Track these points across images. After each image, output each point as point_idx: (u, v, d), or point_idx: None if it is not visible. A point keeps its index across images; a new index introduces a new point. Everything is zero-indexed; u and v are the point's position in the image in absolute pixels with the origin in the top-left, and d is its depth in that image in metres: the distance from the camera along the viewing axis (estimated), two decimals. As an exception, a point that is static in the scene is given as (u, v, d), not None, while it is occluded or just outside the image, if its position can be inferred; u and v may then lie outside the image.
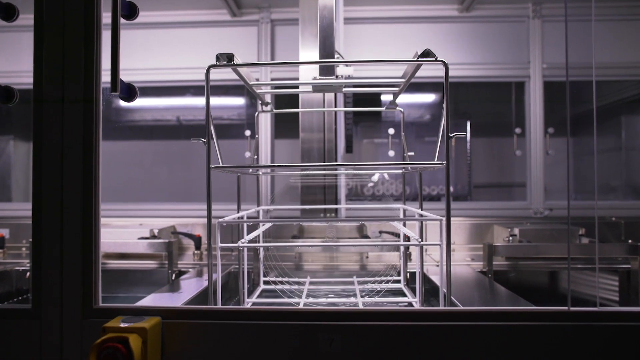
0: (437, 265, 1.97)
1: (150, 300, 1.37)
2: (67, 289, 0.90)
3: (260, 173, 1.78)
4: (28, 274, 1.97)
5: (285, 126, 3.81)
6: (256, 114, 1.78)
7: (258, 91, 1.50)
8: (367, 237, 2.02)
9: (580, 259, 1.86)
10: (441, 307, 0.93)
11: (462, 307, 0.93)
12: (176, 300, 1.38)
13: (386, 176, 3.94)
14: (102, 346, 0.78)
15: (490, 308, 0.89)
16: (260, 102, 1.63)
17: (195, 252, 2.13)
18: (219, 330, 0.88)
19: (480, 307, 0.99)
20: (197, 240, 2.13)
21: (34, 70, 0.92)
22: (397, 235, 2.11)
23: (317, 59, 2.26)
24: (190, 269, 1.98)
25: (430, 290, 1.69)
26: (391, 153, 3.48)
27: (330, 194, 2.40)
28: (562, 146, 3.42)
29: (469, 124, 4.01)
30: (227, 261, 2.08)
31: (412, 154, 1.54)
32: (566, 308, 0.87)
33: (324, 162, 2.24)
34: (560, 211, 3.12)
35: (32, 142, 0.92)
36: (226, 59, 0.99)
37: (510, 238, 2.03)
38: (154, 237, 2.13)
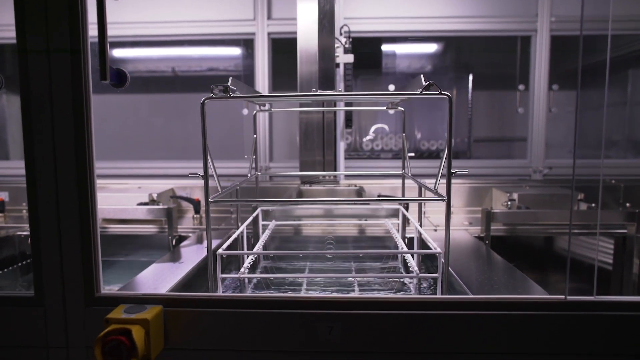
0: (435, 230, 1.99)
1: (151, 272, 1.38)
2: (68, 278, 0.90)
3: (259, 174, 1.75)
4: (30, 240, 1.99)
5: (284, 77, 3.71)
6: (254, 112, 1.72)
7: (258, 102, 1.45)
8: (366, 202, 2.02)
9: (578, 225, 1.87)
10: (439, 296, 0.95)
11: (459, 297, 0.94)
12: (177, 272, 1.39)
13: (386, 128, 3.89)
14: (106, 339, 0.80)
15: (488, 297, 0.90)
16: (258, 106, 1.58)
17: (195, 216, 2.14)
18: (221, 318, 0.89)
19: (477, 296, 1.01)
20: (196, 205, 2.13)
21: (16, 20, 0.87)
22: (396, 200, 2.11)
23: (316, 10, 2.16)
24: (190, 234, 2.00)
25: (429, 256, 1.72)
26: (391, 111, 3.42)
27: (329, 155, 2.37)
28: (565, 100, 3.35)
29: (471, 77, 3.91)
30: (227, 225, 2.10)
31: (412, 154, 1.53)
32: (563, 297, 0.88)
33: (323, 131, 2.20)
34: (560, 169, 3.12)
35: (20, 96, 0.89)
36: (222, 90, 0.97)
37: (509, 203, 2.04)
38: (152, 201, 2.13)
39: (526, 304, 0.88)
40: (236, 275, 1.25)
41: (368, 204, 2.03)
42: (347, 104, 2.38)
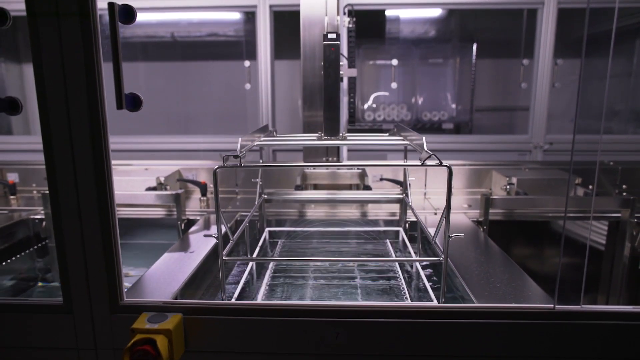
0: (435, 214, 2.05)
1: (164, 264, 1.44)
2: (94, 290, 0.97)
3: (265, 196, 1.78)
4: (44, 223, 2.06)
5: (285, 45, 3.67)
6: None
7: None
8: (368, 187, 2.08)
9: (574, 210, 1.94)
10: (434, 304, 1.02)
11: (455, 305, 1.01)
12: (188, 263, 1.46)
13: (387, 92, 3.87)
14: (134, 350, 0.87)
15: (482, 306, 0.97)
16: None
17: (202, 198, 2.20)
18: (236, 325, 0.97)
19: (472, 304, 1.08)
20: (203, 187, 2.19)
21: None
22: (399, 183, 2.16)
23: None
24: (197, 217, 2.06)
25: (426, 241, 1.79)
26: (394, 85, 3.41)
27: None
28: (570, 69, 3.33)
29: (475, 47, 3.86)
30: (233, 207, 2.17)
31: (413, 179, 1.56)
32: (551, 306, 0.96)
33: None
34: (560, 145, 3.16)
35: (32, 62, 0.89)
36: (232, 159, 1.03)
37: (508, 186, 2.09)
38: (160, 184, 2.19)
39: (516, 313, 0.95)
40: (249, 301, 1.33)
41: (370, 188, 2.08)
42: (351, 81, 2.38)
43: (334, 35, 1.30)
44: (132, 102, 0.88)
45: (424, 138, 1.09)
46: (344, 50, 2.68)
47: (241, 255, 1.84)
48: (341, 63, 1.46)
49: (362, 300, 1.40)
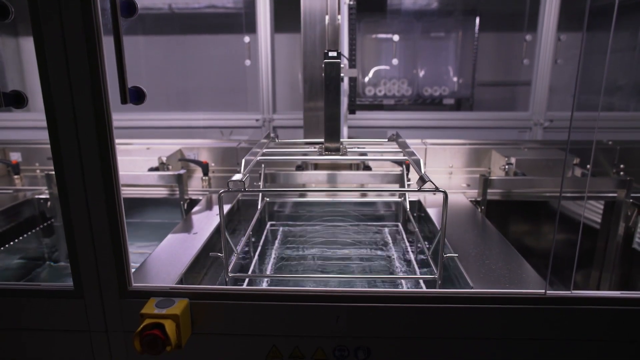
0: (435, 194, 2.08)
1: (168, 246, 1.48)
2: (104, 276, 1.01)
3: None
4: (49, 203, 2.10)
5: (286, 18, 3.62)
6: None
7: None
8: (368, 167, 2.10)
9: (571, 191, 1.97)
10: (430, 290, 1.06)
11: (451, 291, 1.05)
12: (192, 245, 1.50)
13: (387, 66, 3.85)
14: (143, 334, 0.92)
15: (477, 292, 1.01)
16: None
17: (204, 177, 2.23)
18: (241, 309, 1.01)
19: (467, 290, 1.12)
20: (205, 167, 2.21)
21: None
22: (399, 163, 2.18)
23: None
24: (200, 197, 2.09)
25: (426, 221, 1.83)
26: (395, 61, 3.37)
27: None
28: (573, 42, 3.28)
29: (477, 20, 3.81)
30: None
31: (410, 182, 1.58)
32: (543, 292, 1.00)
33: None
34: (560, 122, 3.15)
35: (34, 41, 0.88)
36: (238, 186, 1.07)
37: (507, 167, 2.11)
38: (162, 164, 2.21)
39: (510, 298, 0.99)
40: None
41: (370, 169, 2.10)
42: (351, 63, 2.36)
43: (334, 54, 1.31)
44: (136, 96, 0.89)
45: (422, 161, 1.13)
46: (344, 27, 2.63)
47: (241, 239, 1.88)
48: (342, 65, 1.47)
49: (360, 286, 1.45)
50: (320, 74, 2.30)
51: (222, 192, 1.07)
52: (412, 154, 1.49)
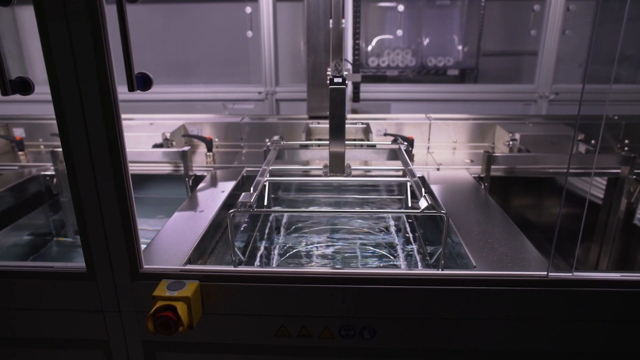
0: (438, 169, 2.09)
1: (175, 224, 1.49)
2: (115, 259, 1.03)
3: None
4: (55, 180, 2.11)
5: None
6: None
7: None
8: (372, 145, 2.09)
9: (575, 167, 1.97)
10: (434, 272, 1.08)
11: (456, 273, 1.07)
12: (199, 223, 1.51)
13: (391, 36, 3.78)
14: (156, 316, 0.95)
15: (477, 273, 1.03)
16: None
17: (208, 153, 2.23)
18: (250, 290, 1.04)
19: (470, 272, 1.14)
20: (209, 143, 2.21)
21: None
22: (404, 138, 2.18)
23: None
24: (204, 173, 2.10)
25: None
26: (399, 32, 3.31)
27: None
28: (584, 10, 3.20)
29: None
30: (238, 162, 2.20)
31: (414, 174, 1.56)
32: (545, 274, 1.02)
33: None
34: (566, 95, 3.12)
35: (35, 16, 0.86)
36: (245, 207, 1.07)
37: (511, 142, 2.11)
38: (166, 140, 2.21)
39: (513, 281, 1.01)
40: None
41: (374, 149, 2.10)
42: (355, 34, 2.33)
43: (339, 80, 1.28)
44: (143, 82, 0.89)
45: (423, 189, 1.13)
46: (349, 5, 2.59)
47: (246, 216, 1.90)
48: (345, 71, 1.45)
49: (362, 267, 1.48)
50: (323, 44, 2.26)
51: (232, 212, 1.07)
52: (413, 173, 1.49)
